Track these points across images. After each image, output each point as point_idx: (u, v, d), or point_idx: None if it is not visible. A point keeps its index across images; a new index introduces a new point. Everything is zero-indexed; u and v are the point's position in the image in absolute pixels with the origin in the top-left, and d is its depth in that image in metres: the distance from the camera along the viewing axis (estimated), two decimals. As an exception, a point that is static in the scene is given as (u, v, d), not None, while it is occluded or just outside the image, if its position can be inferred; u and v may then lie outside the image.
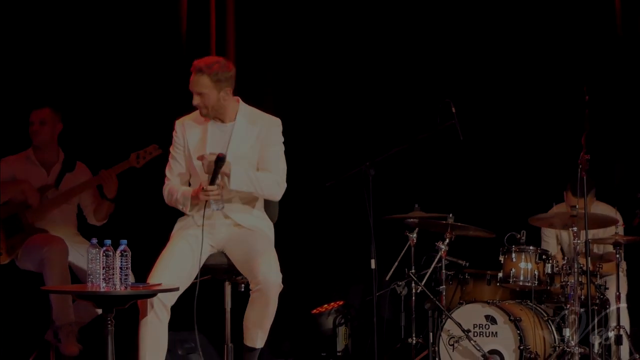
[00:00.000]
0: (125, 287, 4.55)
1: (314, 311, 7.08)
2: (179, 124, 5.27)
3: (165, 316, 4.94)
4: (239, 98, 5.25)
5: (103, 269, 4.53)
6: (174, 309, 4.97)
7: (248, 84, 5.35)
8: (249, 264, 5.04)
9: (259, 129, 5.19)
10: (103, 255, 4.53)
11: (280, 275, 5.02)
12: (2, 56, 6.70)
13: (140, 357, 4.93)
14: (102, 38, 7.16)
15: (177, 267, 4.99)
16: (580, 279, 6.33)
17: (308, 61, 7.76)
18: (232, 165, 5.01)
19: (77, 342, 6.03)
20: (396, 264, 6.64)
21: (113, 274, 4.53)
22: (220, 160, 4.92)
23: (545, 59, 7.69)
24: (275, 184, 5.17)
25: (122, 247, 4.56)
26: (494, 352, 6.23)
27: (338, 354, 6.92)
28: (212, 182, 4.95)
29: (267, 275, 4.96)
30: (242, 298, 5.15)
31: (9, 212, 6.16)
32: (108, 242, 4.56)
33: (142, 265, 5.16)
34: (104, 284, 4.54)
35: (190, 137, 5.19)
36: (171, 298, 4.93)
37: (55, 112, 6.33)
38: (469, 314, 6.34)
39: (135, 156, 6.17)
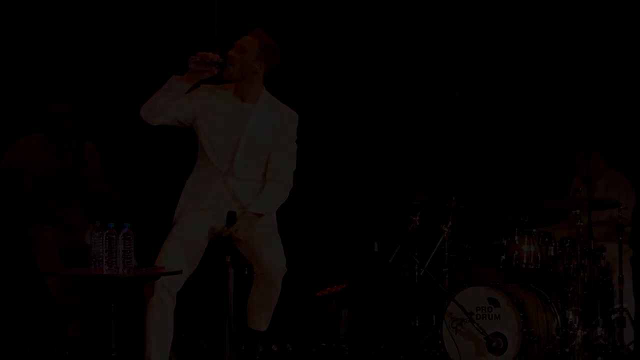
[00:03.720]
0: (128, 270, 4.56)
1: (318, 294, 7.08)
2: (205, 87, 5.15)
3: (170, 302, 4.93)
4: (264, 86, 5.23)
5: (106, 252, 4.53)
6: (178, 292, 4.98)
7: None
8: (252, 248, 5.04)
9: (276, 119, 5.16)
10: (106, 239, 4.53)
11: (283, 259, 5.03)
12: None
13: (147, 342, 4.94)
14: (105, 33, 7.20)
15: (181, 251, 4.99)
16: (583, 261, 6.33)
17: (313, 46, 7.74)
18: (260, 212, 5.05)
19: (78, 325, 6.06)
20: (399, 246, 6.64)
21: (116, 257, 4.54)
22: (231, 215, 4.99)
23: (547, 42, 7.66)
24: (284, 196, 5.18)
25: (125, 230, 4.56)
26: (497, 334, 6.23)
27: (341, 336, 6.92)
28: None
29: (270, 259, 4.97)
30: (246, 281, 5.15)
31: (39, 201, 6.20)
32: (111, 225, 4.56)
33: (146, 249, 5.15)
34: (107, 267, 4.54)
35: (210, 104, 5.09)
36: (176, 284, 4.93)
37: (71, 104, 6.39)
38: (472, 297, 6.34)
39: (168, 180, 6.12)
